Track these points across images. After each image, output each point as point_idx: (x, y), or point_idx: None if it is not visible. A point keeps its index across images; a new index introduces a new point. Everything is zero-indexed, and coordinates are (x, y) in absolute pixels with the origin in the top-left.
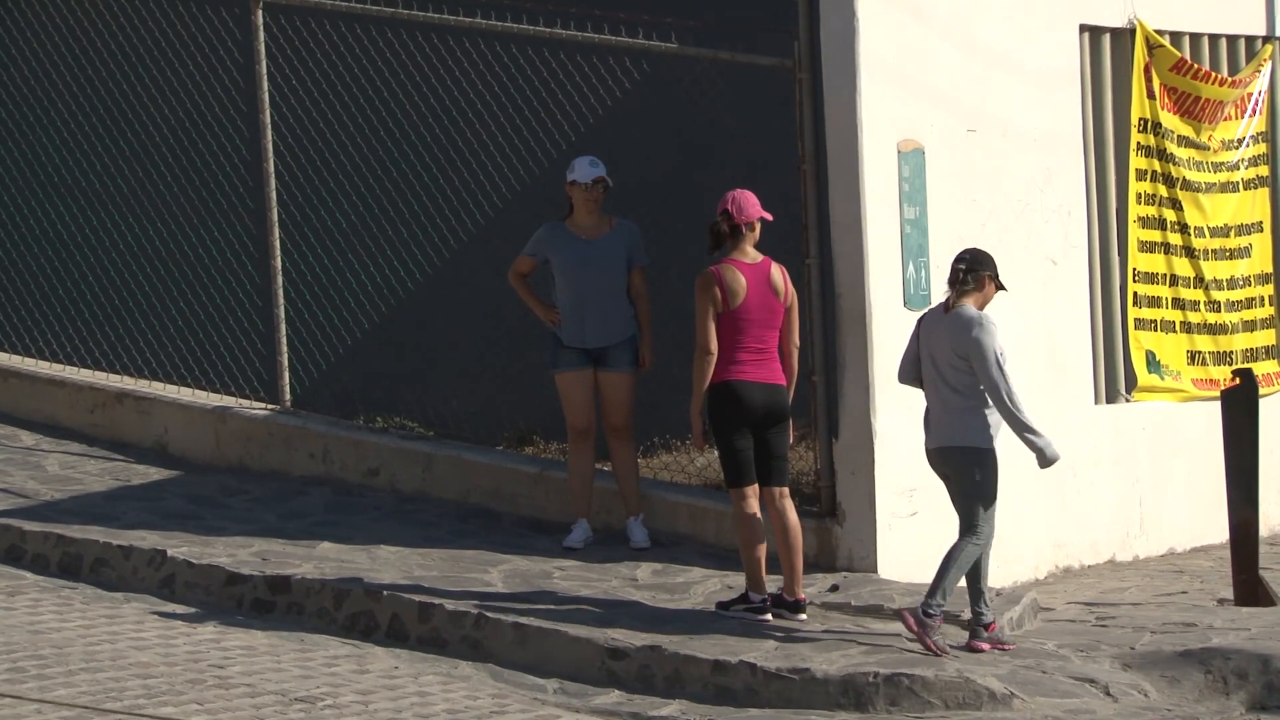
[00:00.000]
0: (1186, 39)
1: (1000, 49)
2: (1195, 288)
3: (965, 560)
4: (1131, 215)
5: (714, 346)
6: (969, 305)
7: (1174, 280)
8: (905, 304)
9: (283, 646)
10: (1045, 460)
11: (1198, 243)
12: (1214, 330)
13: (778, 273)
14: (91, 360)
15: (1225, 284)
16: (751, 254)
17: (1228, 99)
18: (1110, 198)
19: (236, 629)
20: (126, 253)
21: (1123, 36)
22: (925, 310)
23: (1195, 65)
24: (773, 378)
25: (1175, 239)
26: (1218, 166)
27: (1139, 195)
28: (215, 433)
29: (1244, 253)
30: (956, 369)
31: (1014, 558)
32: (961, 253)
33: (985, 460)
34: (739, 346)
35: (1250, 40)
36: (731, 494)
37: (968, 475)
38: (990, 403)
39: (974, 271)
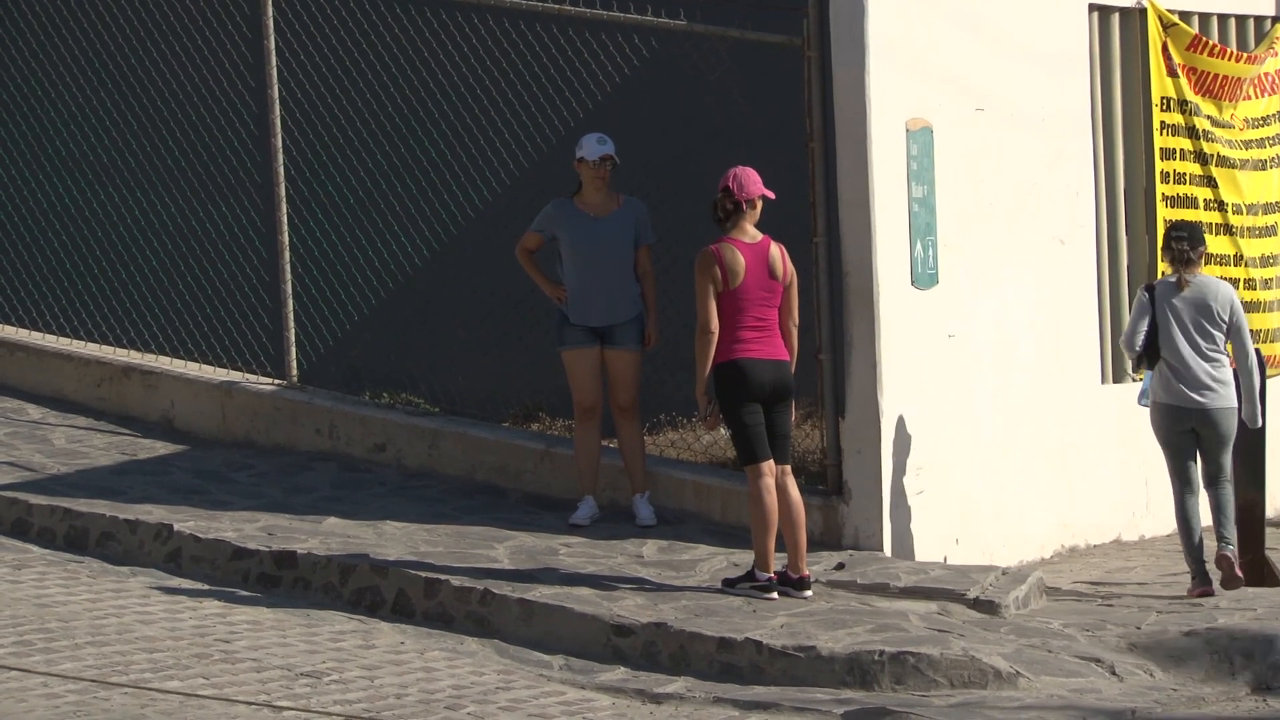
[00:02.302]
0: (1195, 19)
1: (1009, 28)
2: (1236, 265)
3: (1232, 500)
4: (1158, 195)
5: (714, 326)
6: (1206, 274)
7: (1208, 259)
8: (912, 283)
9: (289, 621)
10: (1255, 421)
11: (1235, 220)
12: (1250, 308)
13: (776, 252)
14: (99, 334)
15: (1260, 262)
16: (751, 232)
17: (1245, 76)
18: (1119, 178)
19: (242, 604)
20: (134, 227)
21: (1132, 16)
22: (1155, 282)
23: (1211, 42)
24: (777, 354)
25: (1214, 217)
26: (1246, 144)
27: (1165, 174)
28: (222, 407)
29: (1272, 230)
30: (1217, 332)
31: (1020, 537)
32: (1178, 228)
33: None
34: (740, 325)
35: (1260, 20)
36: (748, 471)
37: (1232, 430)
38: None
39: (1195, 247)
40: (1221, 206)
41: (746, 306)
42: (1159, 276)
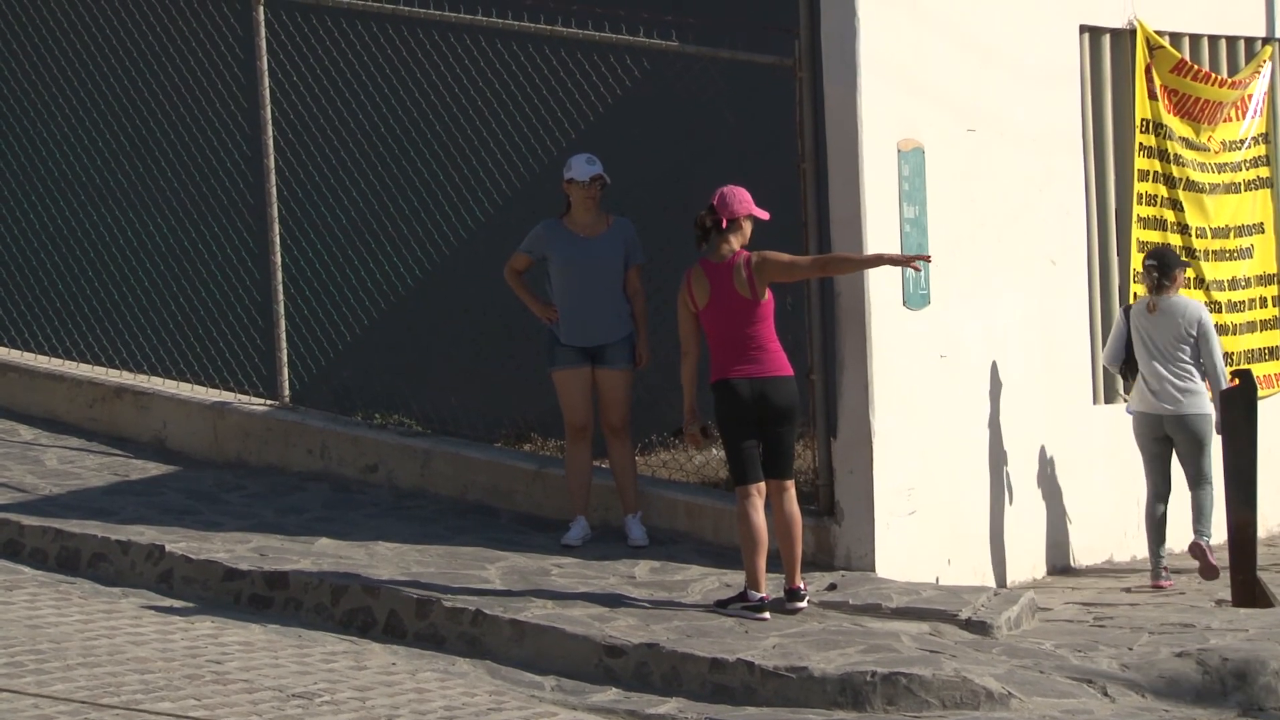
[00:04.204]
0: (1186, 40)
1: (1000, 49)
2: (1197, 289)
3: (1212, 501)
4: (1133, 216)
5: (688, 347)
6: (1179, 296)
7: None
8: (904, 303)
9: (280, 642)
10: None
11: (1199, 244)
12: (1217, 332)
13: (742, 268)
14: (91, 355)
15: (1227, 285)
16: (725, 251)
17: (1227, 100)
18: (1110, 198)
19: (234, 624)
20: (126, 248)
21: (1122, 37)
22: (1130, 304)
23: (1195, 66)
24: (760, 371)
25: (1175, 239)
26: (1220, 168)
27: (1140, 195)
28: (214, 428)
29: (1246, 253)
30: (1185, 347)
31: (1012, 557)
32: (1150, 255)
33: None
34: (718, 345)
35: (1250, 41)
36: (737, 492)
37: (1206, 435)
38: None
39: (1167, 273)
40: (1185, 230)
41: (719, 327)
42: (1132, 298)
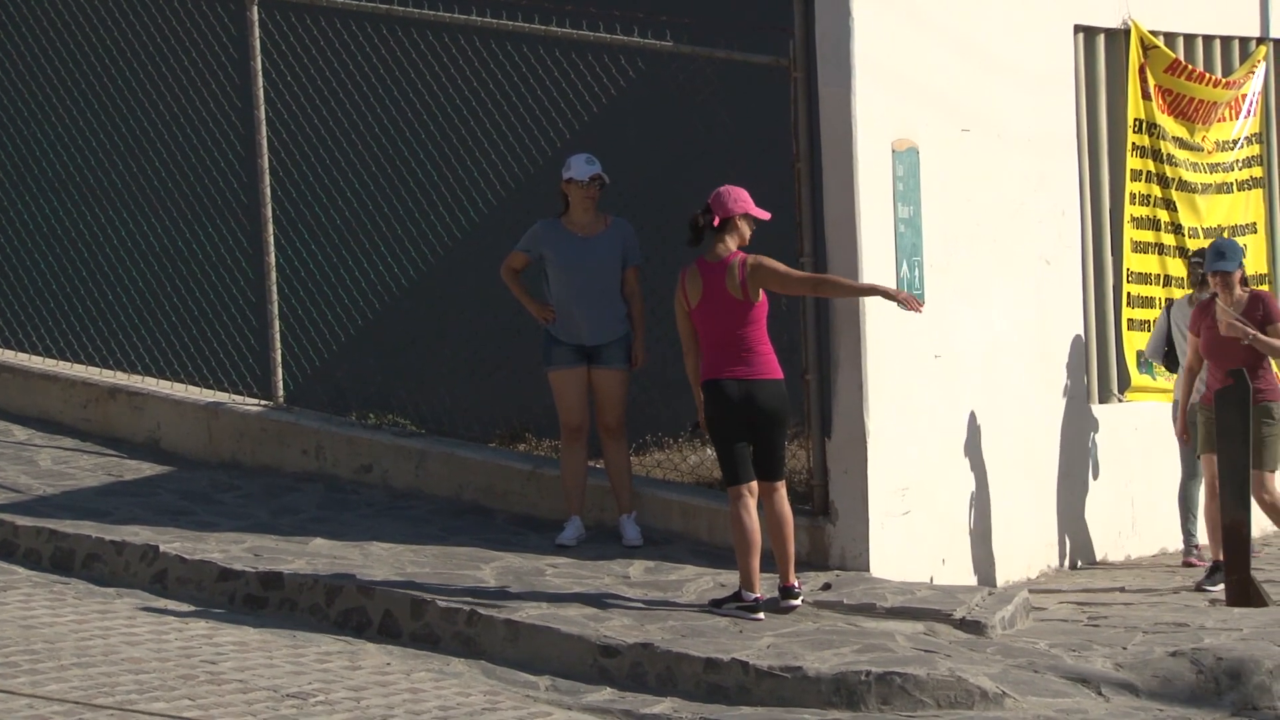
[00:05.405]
0: (1181, 40)
1: (995, 49)
2: (1189, 289)
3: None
4: (1125, 216)
5: (688, 344)
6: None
7: (1167, 281)
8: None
9: (275, 642)
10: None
11: (1192, 244)
12: None
13: (736, 269)
14: (85, 356)
15: None
16: (720, 251)
17: (1221, 100)
18: (1104, 198)
19: (229, 625)
20: (120, 248)
21: (1117, 37)
22: (1172, 301)
23: (1189, 66)
24: (748, 373)
25: (1169, 240)
26: (1213, 167)
27: (1133, 195)
28: (208, 429)
29: None
30: None
31: (1006, 557)
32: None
33: None
34: (710, 345)
35: (1244, 41)
36: (729, 493)
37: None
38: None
39: None
40: (1178, 230)
41: (709, 327)
42: (1124, 295)
